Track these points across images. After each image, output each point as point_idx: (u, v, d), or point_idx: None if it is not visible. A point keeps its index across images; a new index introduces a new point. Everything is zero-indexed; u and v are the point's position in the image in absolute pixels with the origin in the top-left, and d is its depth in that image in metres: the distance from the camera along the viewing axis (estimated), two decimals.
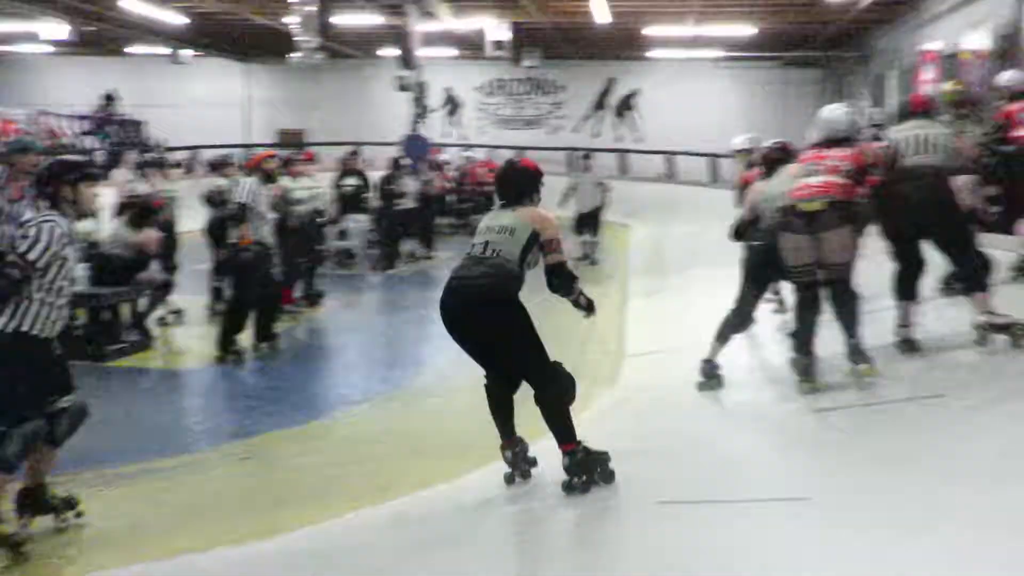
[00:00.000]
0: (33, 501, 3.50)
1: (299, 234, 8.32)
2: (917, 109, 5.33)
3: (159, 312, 7.65)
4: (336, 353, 7.45)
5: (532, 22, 17.74)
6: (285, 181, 8.34)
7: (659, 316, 7.94)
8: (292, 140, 23.87)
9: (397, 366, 6.74)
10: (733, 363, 5.87)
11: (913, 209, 4.76)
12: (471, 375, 6.18)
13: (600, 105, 24.11)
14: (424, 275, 11.41)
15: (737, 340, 5.22)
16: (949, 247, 4.86)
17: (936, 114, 5.50)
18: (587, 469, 3.60)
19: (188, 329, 7.78)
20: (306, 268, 8.68)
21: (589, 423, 5.01)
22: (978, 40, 11.84)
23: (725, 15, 17.03)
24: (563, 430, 3.66)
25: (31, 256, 3.37)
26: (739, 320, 5.18)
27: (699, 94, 22.97)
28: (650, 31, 18.50)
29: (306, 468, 4.44)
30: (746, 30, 18.19)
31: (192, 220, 8.91)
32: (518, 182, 3.90)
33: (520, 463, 3.91)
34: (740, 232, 5.30)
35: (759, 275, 5.17)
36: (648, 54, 21.94)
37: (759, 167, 5.73)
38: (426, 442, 4.84)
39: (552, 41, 20.31)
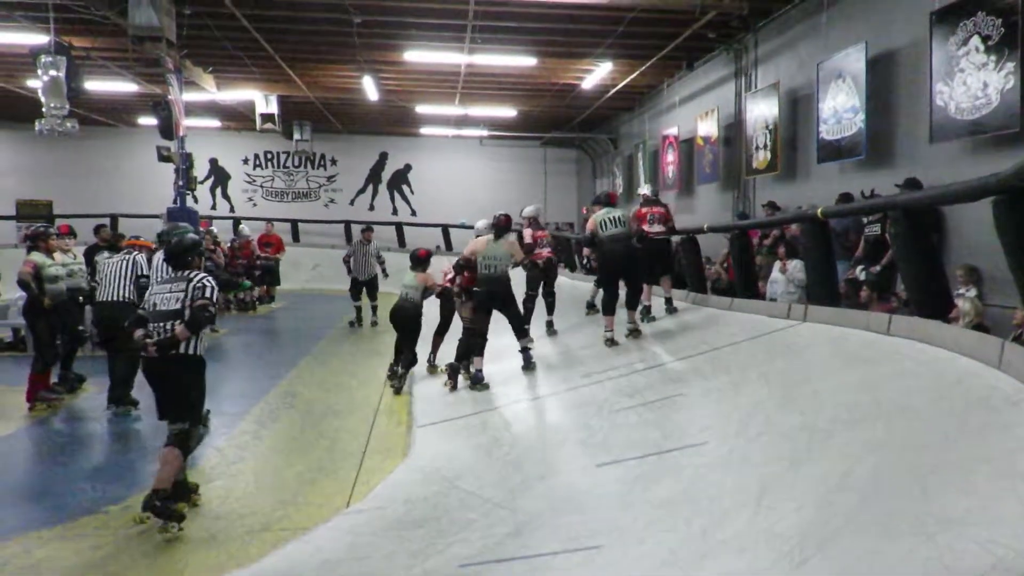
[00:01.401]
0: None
1: (55, 314, 7.66)
2: (612, 201, 8.68)
3: None
4: (102, 441, 6.82)
5: (302, 97, 17.75)
6: (37, 256, 7.69)
7: (442, 388, 8.13)
8: (35, 212, 21.84)
9: None
10: (516, 423, 6.23)
11: (617, 261, 8.00)
12: (256, 456, 6.05)
13: (374, 179, 24.40)
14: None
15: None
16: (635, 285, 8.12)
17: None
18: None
19: None
20: (64, 350, 7.99)
21: (383, 492, 5.07)
22: (708, 128, 13.52)
23: (488, 98, 18.11)
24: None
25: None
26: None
27: (467, 169, 24.03)
28: (420, 109, 19.19)
29: (75, 571, 4.05)
30: (508, 112, 19.43)
31: None
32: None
33: None
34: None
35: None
36: (419, 130, 22.69)
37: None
38: (213, 529, 4.61)
39: (323, 115, 20.38)
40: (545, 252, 9.55)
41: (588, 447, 5.20)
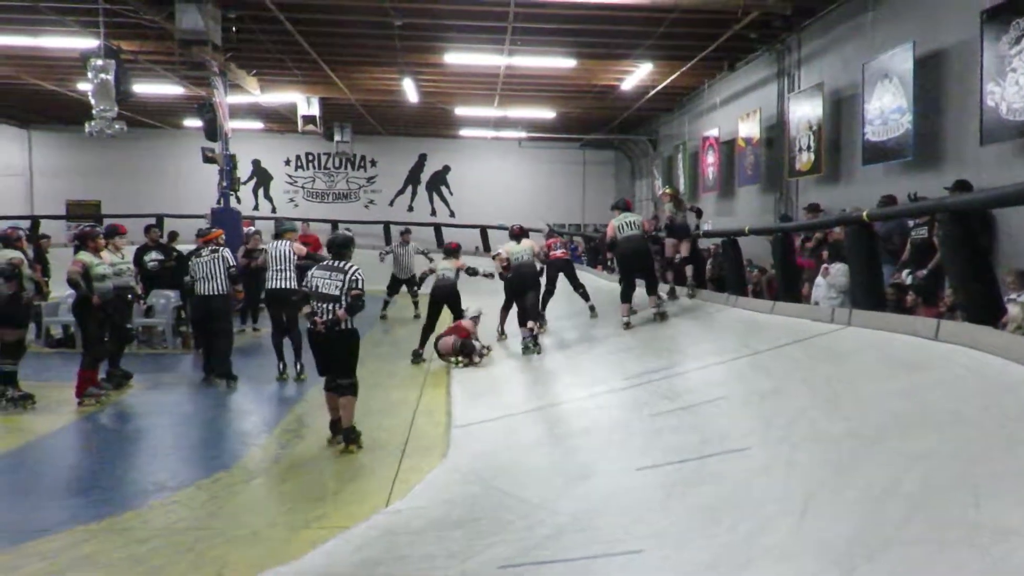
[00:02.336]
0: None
1: (103, 312, 7.84)
2: (628, 207, 9.92)
3: None
4: (147, 437, 6.96)
5: (343, 99, 17.92)
6: (85, 256, 7.86)
7: (482, 387, 8.16)
8: (84, 212, 22.34)
9: (215, 447, 6.44)
10: (555, 425, 6.22)
11: (630, 259, 9.31)
12: (294, 453, 6.12)
13: (413, 180, 24.56)
14: (242, 350, 11.00)
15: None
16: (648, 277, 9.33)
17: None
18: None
19: None
20: (112, 347, 8.17)
21: (422, 492, 5.09)
22: (749, 129, 13.36)
23: (527, 99, 18.10)
24: None
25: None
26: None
27: (506, 171, 24.06)
28: (459, 111, 19.26)
29: (121, 565, 4.13)
30: (547, 113, 19.41)
31: None
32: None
33: None
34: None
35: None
36: (458, 132, 22.77)
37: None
38: (254, 526, 4.67)
39: (363, 117, 20.55)
40: (558, 253, 11.15)
41: (628, 450, 5.16)
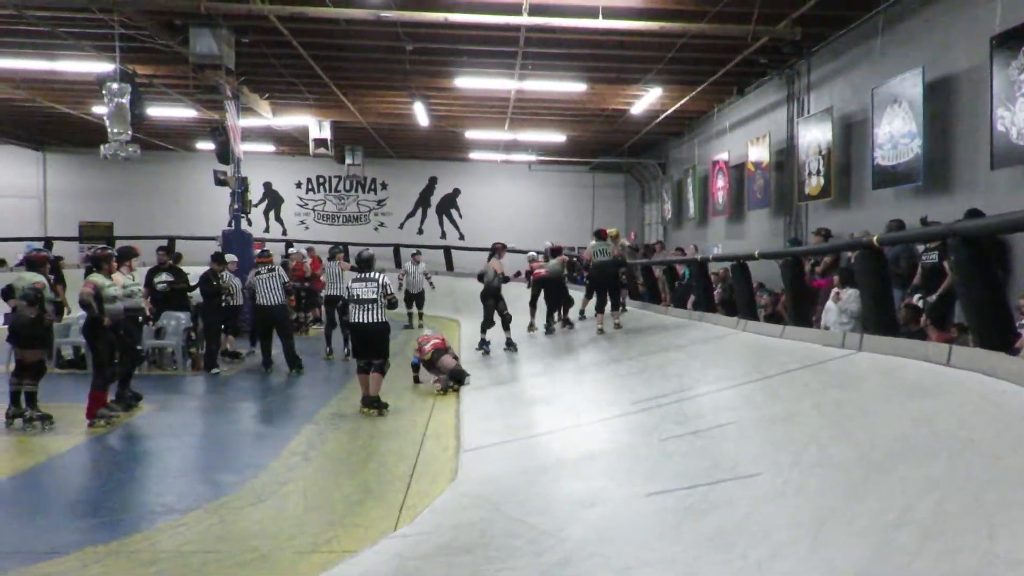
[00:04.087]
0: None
1: (114, 333, 7.88)
2: (603, 236, 11.72)
3: None
4: (156, 459, 6.96)
5: (354, 122, 18.06)
6: (97, 278, 7.92)
7: (491, 410, 8.14)
8: (97, 233, 22.54)
9: (225, 470, 6.42)
10: (563, 449, 6.19)
11: (599, 279, 11.30)
12: (305, 477, 6.11)
13: (423, 203, 24.67)
14: (248, 374, 11.03)
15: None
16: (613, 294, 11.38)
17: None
18: None
19: None
20: (122, 369, 8.21)
21: (430, 517, 5.06)
22: (759, 153, 13.39)
23: (537, 123, 18.21)
24: None
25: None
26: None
27: (516, 194, 24.17)
28: (470, 134, 19.38)
29: None
30: (557, 137, 19.51)
31: None
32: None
33: None
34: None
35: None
36: (468, 155, 22.90)
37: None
38: (261, 549, 4.65)
39: (374, 140, 20.70)
40: (542, 272, 12.74)
41: (637, 475, 5.13)
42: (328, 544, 4.70)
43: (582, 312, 12.68)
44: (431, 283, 16.96)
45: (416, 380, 10.01)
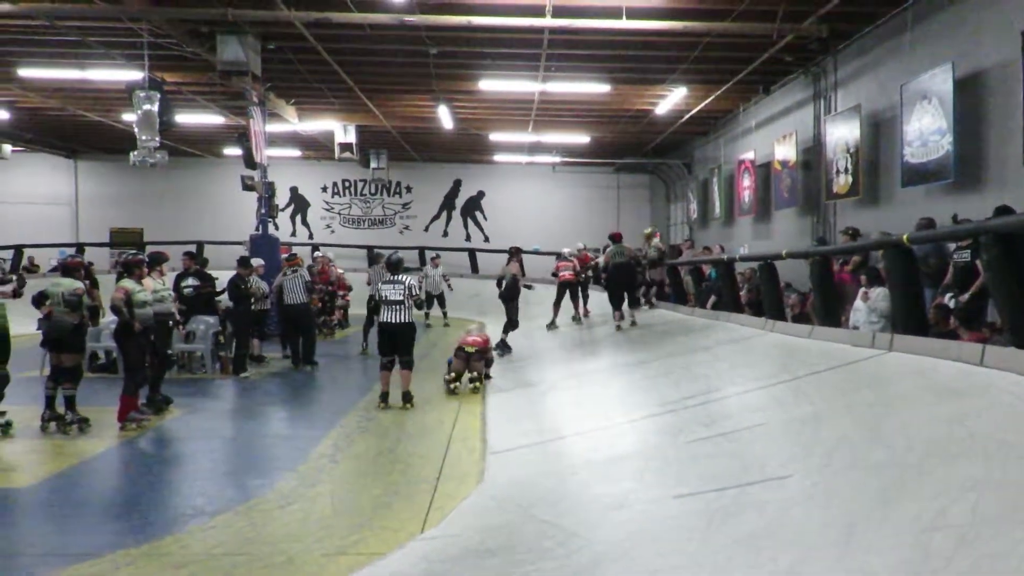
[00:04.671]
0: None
1: (144, 337, 7.98)
2: (618, 239, 12.61)
3: None
4: (186, 462, 7.04)
5: (379, 126, 18.16)
6: (128, 283, 8.02)
7: (518, 412, 8.13)
8: (128, 239, 22.85)
9: (254, 473, 6.47)
10: (590, 451, 6.17)
11: (617, 280, 12.08)
12: (333, 479, 6.14)
13: (448, 205, 24.74)
14: (277, 377, 11.11)
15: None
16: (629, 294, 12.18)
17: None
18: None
19: (18, 443, 7.19)
20: (153, 373, 8.31)
21: (458, 519, 5.07)
22: (785, 152, 13.27)
23: (561, 125, 18.19)
24: None
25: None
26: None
27: (540, 195, 24.15)
28: (494, 137, 19.40)
29: None
30: (581, 138, 19.47)
31: (20, 324, 8.34)
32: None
33: None
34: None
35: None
36: (492, 157, 22.93)
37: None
38: (290, 552, 4.68)
39: (399, 144, 20.79)
40: (566, 275, 13.65)
41: (665, 477, 5.09)
42: (355, 547, 4.72)
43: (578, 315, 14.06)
44: (449, 285, 17.64)
45: (454, 381, 9.73)
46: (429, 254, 19.45)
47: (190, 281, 11.46)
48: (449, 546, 4.54)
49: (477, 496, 5.52)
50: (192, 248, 15.19)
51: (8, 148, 20.40)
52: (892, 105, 9.86)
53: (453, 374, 9.60)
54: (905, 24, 9.63)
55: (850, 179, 10.85)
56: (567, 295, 13.80)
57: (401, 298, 8.59)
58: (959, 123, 8.35)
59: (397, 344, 8.74)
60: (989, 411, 3.85)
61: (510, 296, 12.43)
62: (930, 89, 8.74)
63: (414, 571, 4.21)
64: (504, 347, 12.13)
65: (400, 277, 8.71)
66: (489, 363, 10.05)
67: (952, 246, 7.67)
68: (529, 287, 12.89)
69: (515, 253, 13.21)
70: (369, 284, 13.56)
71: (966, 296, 7.07)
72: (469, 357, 9.72)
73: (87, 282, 12.03)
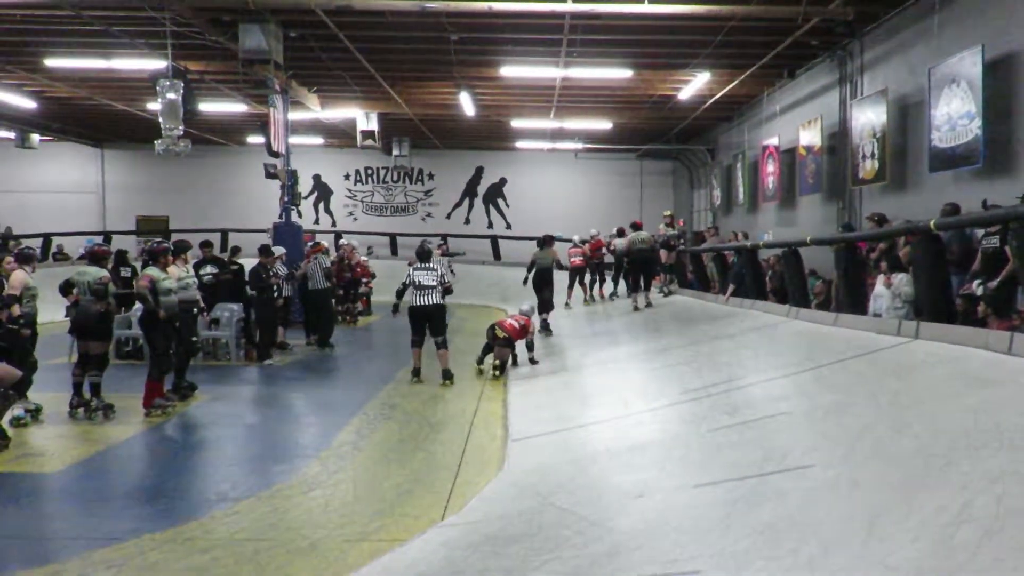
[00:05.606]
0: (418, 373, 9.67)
1: (170, 324, 8.07)
2: (639, 227, 13.89)
3: (15, 411, 7.18)
4: (211, 448, 7.12)
5: (401, 113, 18.15)
6: (153, 271, 8.10)
7: (539, 400, 8.13)
8: (153, 227, 23.10)
9: (277, 459, 6.53)
10: (612, 439, 6.15)
11: (638, 262, 13.33)
12: (355, 466, 6.18)
13: (470, 192, 24.72)
14: (301, 364, 11.19)
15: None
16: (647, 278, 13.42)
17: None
18: None
19: (47, 428, 7.31)
20: (178, 360, 8.40)
21: (478, 506, 5.08)
22: (810, 137, 13.09)
23: (584, 111, 18.08)
24: None
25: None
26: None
27: (562, 182, 24.06)
28: (515, 123, 19.33)
29: (185, 573, 4.22)
30: (603, 124, 19.35)
31: (47, 312, 8.48)
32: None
33: None
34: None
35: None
36: (514, 144, 22.86)
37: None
38: (312, 537, 4.72)
39: (421, 131, 20.79)
40: (576, 260, 15.45)
41: (686, 465, 5.07)
42: (377, 533, 4.75)
43: (614, 293, 15.66)
44: (452, 271, 18.20)
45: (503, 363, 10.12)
46: (436, 242, 20.05)
47: (208, 268, 11.56)
48: (469, 533, 4.56)
49: (497, 483, 5.53)
50: (216, 235, 15.36)
51: (37, 138, 20.65)
52: (920, 89, 9.69)
53: (497, 360, 9.95)
54: (933, 6, 9.45)
55: (876, 164, 10.69)
56: (577, 279, 15.44)
57: (434, 283, 9.40)
58: (988, 107, 8.18)
59: (431, 324, 9.50)
60: (1017, 401, 3.79)
61: (548, 280, 13.16)
62: (959, 72, 8.58)
63: (434, 558, 4.23)
64: (546, 329, 12.71)
65: (432, 264, 9.66)
66: (530, 347, 10.29)
67: (980, 232, 7.53)
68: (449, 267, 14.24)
69: (549, 241, 13.74)
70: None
71: (995, 283, 6.94)
72: (502, 342, 9.96)
73: (127, 269, 12.46)
